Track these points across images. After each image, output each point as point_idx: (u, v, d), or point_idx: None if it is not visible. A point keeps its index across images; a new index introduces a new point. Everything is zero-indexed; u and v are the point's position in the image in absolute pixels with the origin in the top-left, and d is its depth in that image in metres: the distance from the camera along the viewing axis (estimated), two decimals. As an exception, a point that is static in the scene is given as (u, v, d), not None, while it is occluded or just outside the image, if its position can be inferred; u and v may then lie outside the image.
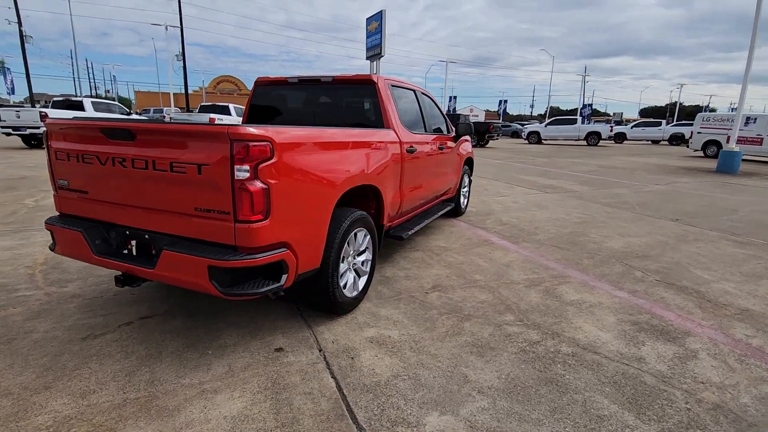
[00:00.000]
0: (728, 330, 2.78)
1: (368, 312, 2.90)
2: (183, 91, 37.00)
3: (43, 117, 13.36)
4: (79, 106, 14.98)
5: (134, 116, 17.66)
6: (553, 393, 2.08)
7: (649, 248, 4.56)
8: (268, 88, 3.90)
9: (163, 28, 35.28)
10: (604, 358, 2.41)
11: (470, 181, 6.16)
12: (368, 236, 2.98)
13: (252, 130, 1.92)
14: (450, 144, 4.88)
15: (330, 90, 3.69)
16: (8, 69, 37.87)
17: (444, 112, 5.09)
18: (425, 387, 2.10)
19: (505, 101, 69.32)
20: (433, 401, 1.99)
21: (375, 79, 3.44)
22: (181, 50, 42.15)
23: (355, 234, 2.83)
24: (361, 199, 3.12)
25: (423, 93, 4.49)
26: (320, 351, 2.40)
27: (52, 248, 2.53)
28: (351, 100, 3.66)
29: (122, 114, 16.57)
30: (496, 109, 69.53)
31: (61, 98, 15.87)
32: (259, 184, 1.94)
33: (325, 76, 3.60)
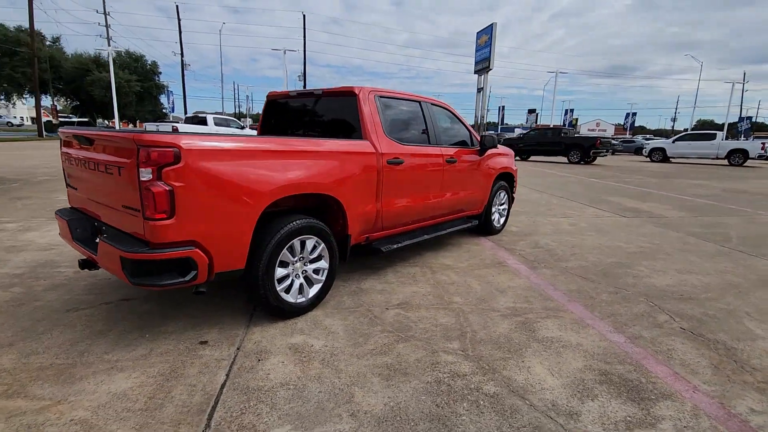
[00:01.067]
0: (730, 400, 2.14)
1: (313, 319, 2.92)
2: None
3: (174, 130, 16.05)
4: (204, 121, 17.66)
5: (246, 130, 20.12)
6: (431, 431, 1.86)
7: (704, 290, 3.70)
8: (276, 101, 4.19)
9: (289, 52, 39.31)
10: (528, 406, 2.06)
11: (510, 198, 5.70)
12: (322, 245, 3.00)
13: (155, 137, 2.14)
14: (470, 158, 4.62)
15: (321, 102, 3.83)
16: (171, 91, 46.27)
17: (469, 126, 4.84)
18: (302, 399, 2.05)
19: (634, 114, 62.13)
20: (297, 415, 1.94)
21: (356, 91, 3.47)
22: (302, 71, 46.66)
23: (304, 242, 2.88)
24: (324, 207, 3.17)
25: (435, 104, 4.36)
26: (237, 349, 2.49)
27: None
28: (336, 111, 3.74)
29: (236, 128, 19.04)
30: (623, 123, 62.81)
31: (192, 115, 19.02)
32: (162, 186, 2.14)
33: (317, 89, 3.75)
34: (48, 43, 39.00)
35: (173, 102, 47.31)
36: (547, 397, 2.13)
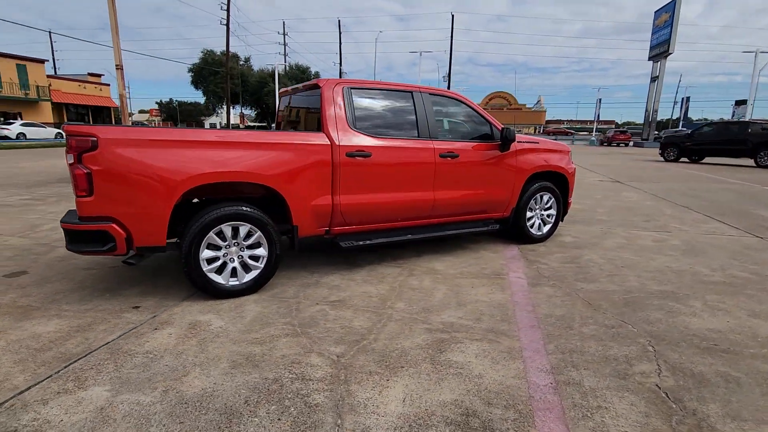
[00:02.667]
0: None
1: (239, 303, 3.05)
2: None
3: None
4: None
5: None
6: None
7: (763, 342, 2.56)
8: (283, 97, 4.44)
9: (445, 53, 40.12)
10: (335, 426, 1.81)
11: (560, 203, 4.81)
12: (258, 233, 3.11)
13: (78, 128, 2.56)
14: (485, 153, 4.11)
15: (303, 96, 3.90)
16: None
17: (491, 119, 4.29)
18: (144, 368, 2.20)
19: None
20: (125, 379, 2.10)
21: (321, 84, 3.45)
22: (447, 72, 46.92)
23: (237, 228, 3.04)
24: (270, 197, 3.25)
25: (439, 95, 4.00)
26: (153, 317, 2.80)
27: None
28: (312, 105, 3.76)
29: None
30: None
31: None
32: (82, 168, 2.57)
33: (301, 84, 3.85)
34: (241, 62, 48.04)
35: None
36: (368, 423, 1.83)
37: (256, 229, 3.10)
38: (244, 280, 3.15)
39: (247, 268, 3.17)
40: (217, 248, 3.03)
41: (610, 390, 2.09)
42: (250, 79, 46.38)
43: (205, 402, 1.95)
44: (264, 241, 3.15)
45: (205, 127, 67.83)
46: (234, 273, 3.11)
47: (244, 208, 3.03)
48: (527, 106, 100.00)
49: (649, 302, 3.17)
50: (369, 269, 3.83)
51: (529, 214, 4.64)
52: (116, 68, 9.70)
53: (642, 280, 3.63)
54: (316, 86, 3.49)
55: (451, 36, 45.13)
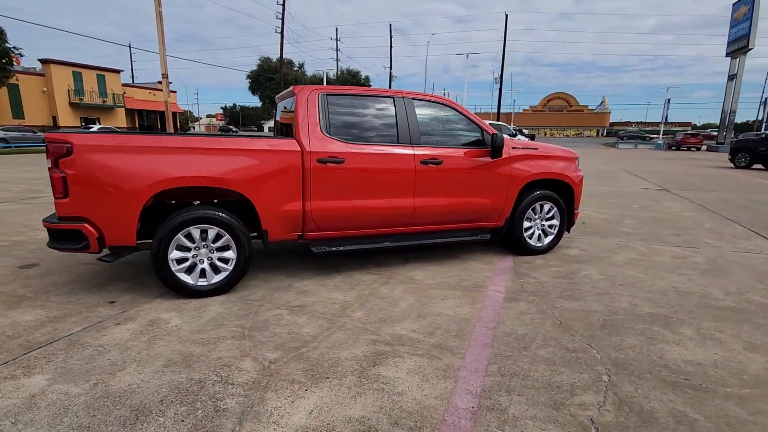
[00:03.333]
0: None
1: (204, 302, 3.16)
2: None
3: None
4: None
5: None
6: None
7: (738, 377, 2.23)
8: (280, 102, 4.52)
9: (493, 55, 39.25)
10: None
11: (564, 213, 4.51)
12: (226, 236, 3.21)
13: (56, 135, 2.79)
14: (474, 160, 3.95)
15: (289, 101, 3.97)
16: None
17: (484, 124, 4.12)
18: (88, 360, 2.35)
19: None
20: (68, 370, 2.25)
21: (296, 91, 3.50)
22: (500, 73, 45.80)
23: (205, 231, 3.16)
24: (242, 201, 3.34)
25: (424, 100, 3.90)
26: (121, 313, 2.97)
27: None
28: (290, 110, 3.80)
29: (508, 133, 17.37)
30: None
31: None
32: (58, 172, 2.80)
33: (289, 89, 3.92)
34: (295, 68, 49.92)
35: (380, 110, 53.55)
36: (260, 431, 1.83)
37: (224, 232, 3.21)
38: (213, 281, 3.26)
39: (216, 269, 3.28)
40: (187, 249, 3.17)
41: (535, 420, 1.92)
42: (303, 84, 47.98)
43: (125, 398, 2.05)
44: (233, 243, 3.25)
45: (264, 129, 71.16)
46: (203, 274, 3.24)
47: (210, 212, 3.14)
48: (589, 107, 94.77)
49: (631, 326, 2.88)
50: (346, 275, 3.82)
51: (526, 224, 4.40)
52: (162, 77, 10.44)
53: (635, 301, 3.30)
54: (291, 92, 3.55)
55: (504, 36, 43.86)
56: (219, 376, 2.24)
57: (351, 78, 49.66)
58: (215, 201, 3.40)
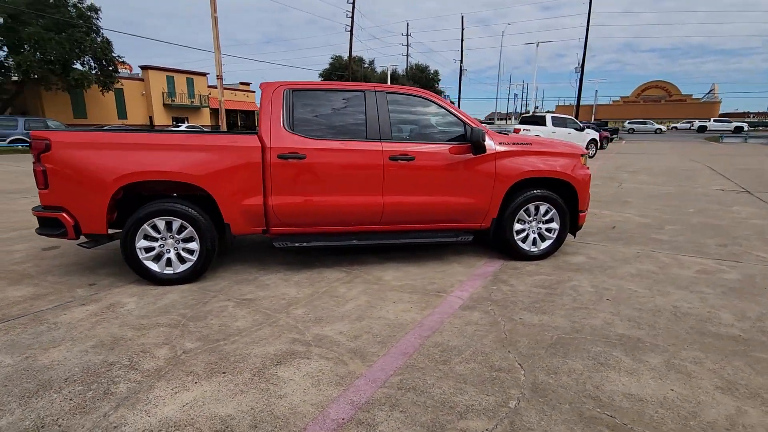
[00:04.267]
0: None
1: (166, 290, 3.34)
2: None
3: (516, 131, 16.39)
4: (542, 121, 17.20)
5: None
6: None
7: (690, 411, 1.83)
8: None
9: (595, 43, 36.86)
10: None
11: (564, 215, 4.05)
12: (189, 227, 3.37)
13: (39, 133, 3.12)
14: (452, 156, 3.71)
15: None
16: (447, 96, 51.45)
17: (468, 118, 3.84)
18: (38, 335, 2.61)
19: None
20: (17, 343, 2.53)
21: (262, 87, 3.54)
22: (580, 61, 42.71)
23: (170, 223, 3.34)
24: (206, 195, 3.46)
25: (399, 93, 3.74)
26: (91, 296, 3.26)
27: None
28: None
29: (574, 128, 17.38)
30: None
31: (529, 115, 18.67)
32: (39, 166, 3.13)
33: (263, 84, 3.96)
34: (365, 65, 50.78)
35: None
36: (130, 420, 1.89)
37: (187, 224, 3.37)
38: (178, 270, 3.44)
39: (182, 259, 3.46)
40: (154, 239, 3.38)
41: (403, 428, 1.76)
42: (371, 81, 48.71)
43: (41, 373, 2.24)
44: (196, 235, 3.40)
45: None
46: (170, 263, 3.43)
47: (173, 205, 3.31)
48: (693, 96, 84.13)
49: (588, 348, 2.51)
50: (315, 272, 3.81)
51: (518, 226, 4.03)
52: (216, 78, 11.21)
53: (613, 319, 2.87)
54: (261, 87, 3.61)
55: (588, 20, 40.47)
56: (130, 361, 2.36)
57: (419, 73, 49.35)
58: (184, 195, 3.57)
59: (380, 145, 3.61)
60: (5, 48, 23.79)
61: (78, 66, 25.66)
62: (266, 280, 3.61)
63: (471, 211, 3.87)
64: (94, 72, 26.69)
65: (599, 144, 25.50)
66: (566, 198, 4.09)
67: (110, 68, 27.09)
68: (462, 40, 53.08)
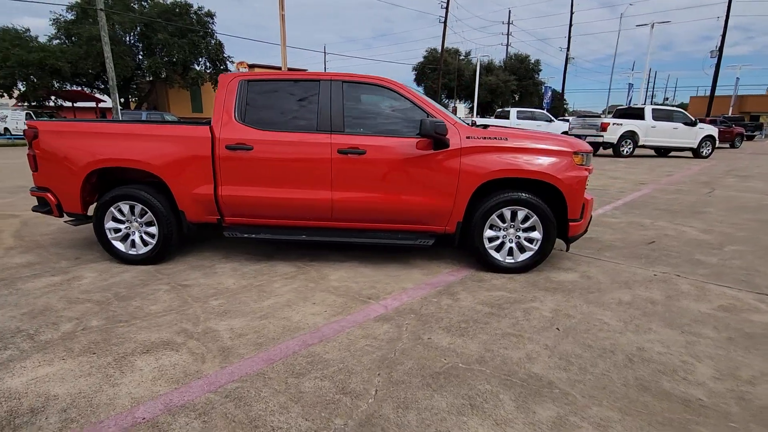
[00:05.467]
0: None
1: (125, 268, 3.60)
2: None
3: (605, 126, 14.54)
4: (640, 115, 14.91)
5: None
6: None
7: None
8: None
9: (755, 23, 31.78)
10: (-35, 377, 2.13)
11: (550, 223, 3.42)
12: (148, 213, 3.58)
13: (30, 123, 3.57)
14: (410, 151, 3.38)
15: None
16: (549, 87, 47.58)
17: (436, 109, 3.45)
18: (7, 297, 3.02)
19: None
20: (-26, 303, 2.95)
21: (220, 79, 3.57)
22: (718, 45, 36.71)
23: (132, 207, 3.59)
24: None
25: (359, 82, 3.50)
26: (70, 267, 3.65)
27: None
28: None
29: (684, 122, 15.00)
30: None
31: (625, 108, 16.48)
32: (31, 152, 3.59)
33: (222, 75, 4.00)
34: (461, 57, 49.45)
35: (550, 98, 48.71)
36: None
37: (147, 209, 3.58)
38: (141, 252, 3.69)
39: (145, 242, 3.70)
40: (121, 222, 3.66)
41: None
42: (465, 73, 47.30)
43: (-36, 331, 2.57)
44: (155, 220, 3.60)
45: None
46: (134, 244, 3.70)
47: (131, 190, 3.54)
48: None
49: (475, 384, 2.08)
50: (268, 265, 3.78)
51: (490, 233, 3.52)
52: (283, 73, 11.75)
53: (539, 354, 2.34)
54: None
55: (728, -2, 34.00)
56: (35, 331, 2.58)
57: (518, 63, 46.43)
58: (149, 182, 3.78)
59: (329, 137, 3.42)
60: (141, 52, 28.13)
61: (195, 66, 29.22)
62: (219, 269, 3.69)
63: (431, 212, 3.48)
64: (208, 71, 30.18)
65: (732, 142, 21.55)
66: (554, 203, 3.46)
67: (221, 67, 30.36)
68: (570, 25, 48.67)
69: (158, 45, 27.22)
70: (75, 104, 28.06)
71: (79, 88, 27.87)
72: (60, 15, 26.73)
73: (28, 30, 26.78)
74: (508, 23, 52.20)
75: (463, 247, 3.75)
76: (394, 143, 3.41)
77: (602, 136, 14.32)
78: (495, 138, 3.40)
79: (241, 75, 3.59)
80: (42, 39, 27.41)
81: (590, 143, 15.66)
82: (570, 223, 3.47)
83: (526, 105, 47.79)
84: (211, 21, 29.38)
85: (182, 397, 1.98)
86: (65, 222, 3.95)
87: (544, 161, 3.37)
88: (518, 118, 18.03)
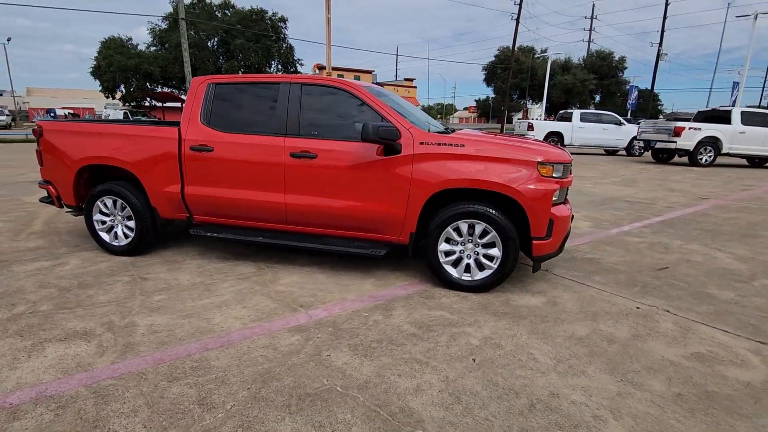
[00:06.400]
0: None
1: (107, 257, 3.89)
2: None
3: (679, 130, 12.76)
4: (725, 118, 13.09)
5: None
6: None
7: None
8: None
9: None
10: None
11: (511, 240, 3.08)
12: (127, 207, 3.83)
13: (38, 123, 4.00)
14: (359, 155, 3.25)
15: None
16: (635, 87, 43.38)
17: (390, 112, 3.28)
18: (-14, 278, 3.42)
19: None
20: (-31, 280, 3.38)
21: (192, 82, 3.70)
22: None
23: (115, 201, 3.88)
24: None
25: (313, 84, 3.44)
26: (63, 254, 4.04)
27: None
28: None
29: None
30: None
31: (709, 110, 14.52)
32: (37, 148, 4.03)
33: (195, 78, 4.13)
34: (536, 55, 47.01)
35: (636, 98, 44.43)
36: None
37: (126, 204, 3.85)
38: (122, 244, 3.97)
39: (126, 235, 3.98)
40: (107, 215, 3.97)
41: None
42: (538, 72, 44.87)
43: (-57, 304, 2.95)
44: (133, 214, 3.86)
45: (514, 121, 70.27)
46: (116, 236, 3.99)
47: (114, 186, 3.82)
48: None
49: (335, 410, 1.93)
50: (230, 264, 3.85)
51: (446, 246, 3.26)
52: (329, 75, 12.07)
53: (431, 389, 2.11)
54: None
55: None
56: (-6, 310, 2.88)
57: (600, 61, 42.93)
58: (131, 178, 4.03)
59: (283, 140, 3.40)
60: (221, 57, 30.56)
61: (267, 69, 31.10)
62: (186, 265, 3.85)
63: (382, 221, 3.32)
64: (279, 73, 31.97)
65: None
66: (515, 217, 3.12)
67: (292, 70, 31.97)
68: (664, 17, 44.07)
69: (236, 49, 29.38)
70: (164, 104, 31.26)
71: (168, 90, 31.02)
72: (156, 25, 29.95)
73: (130, 39, 30.38)
74: (591, 18, 48.56)
75: (419, 258, 3.52)
76: (347, 148, 3.29)
77: (675, 142, 12.72)
78: (451, 144, 3.14)
79: (210, 78, 3.71)
80: (141, 47, 30.91)
81: (659, 150, 14.01)
82: (534, 242, 3.10)
83: (609, 106, 44.09)
84: (283, 26, 31.10)
85: (58, 387, 2.08)
86: (66, 212, 4.38)
87: (503, 171, 3.04)
88: (581, 120, 16.64)
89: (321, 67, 38.84)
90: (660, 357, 2.42)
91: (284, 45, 31.10)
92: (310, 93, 3.46)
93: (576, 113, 16.89)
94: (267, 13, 30.29)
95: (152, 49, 30.51)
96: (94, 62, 28.34)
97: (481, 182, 3.06)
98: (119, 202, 3.87)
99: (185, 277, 3.54)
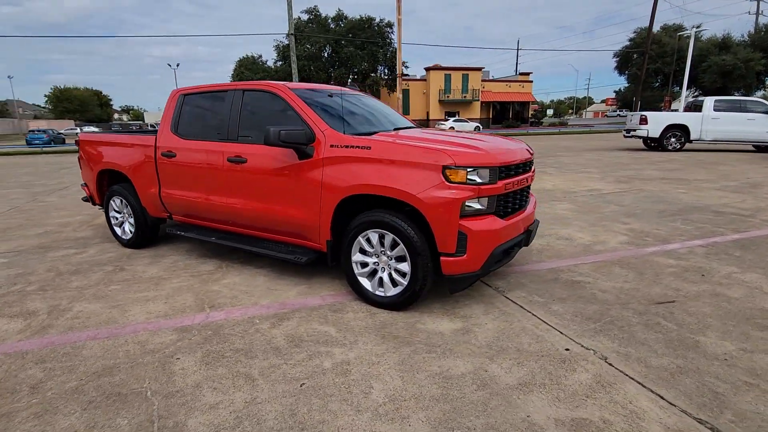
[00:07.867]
0: None
1: (114, 248, 4.53)
2: None
3: None
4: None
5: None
6: (-47, 285, 3.68)
7: None
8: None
9: None
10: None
11: (420, 255, 2.70)
12: (128, 207, 4.43)
13: (80, 135, 4.86)
14: (282, 159, 3.23)
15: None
16: None
17: (310, 115, 3.16)
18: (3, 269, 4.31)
19: None
20: None
21: (170, 93, 4.07)
22: None
23: (122, 201, 4.51)
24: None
25: (250, 89, 3.50)
26: (81, 248, 4.84)
27: None
28: None
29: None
30: None
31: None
32: (79, 155, 4.91)
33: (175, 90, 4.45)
34: (686, 34, 39.76)
35: None
36: None
37: (126, 203, 4.44)
38: (127, 237, 4.60)
39: (131, 230, 4.59)
40: (118, 212, 4.64)
41: None
42: (686, 54, 37.80)
43: (-23, 279, 3.80)
44: (131, 212, 4.44)
45: (627, 114, 60.92)
46: (124, 231, 4.63)
47: (119, 188, 4.44)
48: None
49: (54, 417, 1.95)
50: (199, 261, 4.13)
51: (361, 257, 3.01)
52: (398, 76, 12.15)
53: (226, 410, 1.98)
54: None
55: None
56: None
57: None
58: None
59: (223, 146, 3.54)
60: (333, 66, 32.82)
61: (372, 75, 32.39)
62: (165, 260, 4.26)
63: (300, 226, 3.22)
64: (385, 78, 33.01)
65: None
66: (426, 228, 2.72)
67: (394, 73, 32.76)
68: None
69: (345, 57, 31.27)
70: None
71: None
72: (280, 42, 33.64)
73: (260, 56, 34.64)
74: (767, -19, 39.13)
75: (335, 267, 3.30)
76: (272, 152, 3.28)
77: None
78: (357, 147, 2.89)
79: (182, 89, 4.05)
80: (269, 63, 34.98)
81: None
82: (442, 258, 2.66)
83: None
84: (390, 31, 31.98)
85: (-36, 355, 2.53)
86: (99, 209, 5.23)
87: (403, 176, 2.68)
88: (715, 110, 13.51)
89: (429, 68, 38.93)
90: (524, 416, 1.88)
91: (390, 50, 32.02)
92: (248, 98, 3.54)
93: (708, 101, 13.82)
94: (375, 20, 31.58)
95: (279, 64, 34.38)
96: (230, 79, 33.24)
97: (382, 188, 2.75)
98: (122, 201, 4.50)
99: (152, 271, 3.93)
